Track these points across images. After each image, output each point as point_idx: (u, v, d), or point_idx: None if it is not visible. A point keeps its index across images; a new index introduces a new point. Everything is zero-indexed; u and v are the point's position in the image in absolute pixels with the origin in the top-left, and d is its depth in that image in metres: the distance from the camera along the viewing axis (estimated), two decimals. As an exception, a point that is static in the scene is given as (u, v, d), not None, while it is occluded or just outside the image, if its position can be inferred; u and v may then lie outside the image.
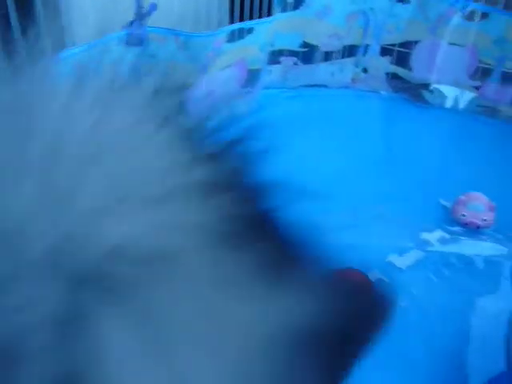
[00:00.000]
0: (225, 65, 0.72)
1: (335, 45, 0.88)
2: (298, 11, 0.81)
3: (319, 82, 0.91)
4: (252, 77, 0.78)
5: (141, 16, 0.64)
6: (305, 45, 0.86)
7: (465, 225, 0.64)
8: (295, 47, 0.86)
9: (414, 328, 0.55)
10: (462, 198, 0.66)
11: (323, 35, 0.86)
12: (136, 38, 0.64)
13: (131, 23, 0.64)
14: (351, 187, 0.73)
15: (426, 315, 0.56)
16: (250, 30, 0.71)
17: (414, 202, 0.71)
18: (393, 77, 0.92)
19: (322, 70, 0.90)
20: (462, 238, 0.63)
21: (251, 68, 0.77)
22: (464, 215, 0.64)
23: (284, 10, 0.78)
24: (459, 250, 0.62)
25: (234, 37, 0.70)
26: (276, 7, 0.76)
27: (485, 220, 0.64)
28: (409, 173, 0.77)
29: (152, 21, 0.68)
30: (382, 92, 0.92)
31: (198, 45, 0.66)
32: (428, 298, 0.58)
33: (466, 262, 0.61)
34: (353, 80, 0.93)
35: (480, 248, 0.62)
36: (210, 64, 0.69)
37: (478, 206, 0.65)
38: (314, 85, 0.92)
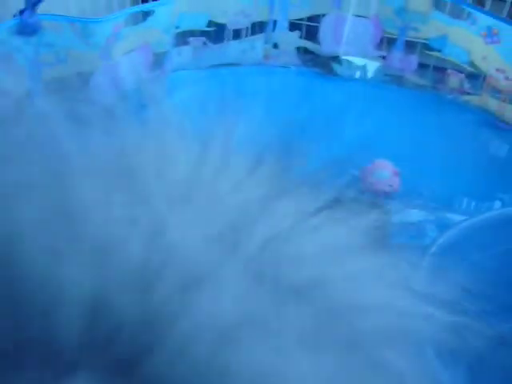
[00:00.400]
0: (128, 49, 0.71)
1: (243, 22, 0.88)
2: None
3: (231, 60, 0.91)
4: (158, 60, 0.77)
5: (32, 3, 0.62)
6: (212, 24, 0.86)
7: (374, 192, 0.67)
8: (202, 27, 0.86)
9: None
10: (369, 167, 0.68)
11: (229, 13, 0.86)
12: (29, 26, 0.61)
13: (22, 12, 0.61)
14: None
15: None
16: (150, 13, 0.70)
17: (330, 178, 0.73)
18: (303, 51, 0.94)
19: (232, 49, 0.90)
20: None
21: (157, 51, 0.76)
22: (372, 183, 0.67)
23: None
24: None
25: (134, 20, 0.69)
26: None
27: (391, 186, 0.67)
28: (325, 147, 0.79)
29: (47, 8, 0.66)
30: (292, 67, 0.93)
31: (96, 31, 0.64)
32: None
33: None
34: (265, 56, 0.93)
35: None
36: (111, 50, 0.68)
37: (384, 174, 0.68)
38: (227, 64, 0.92)
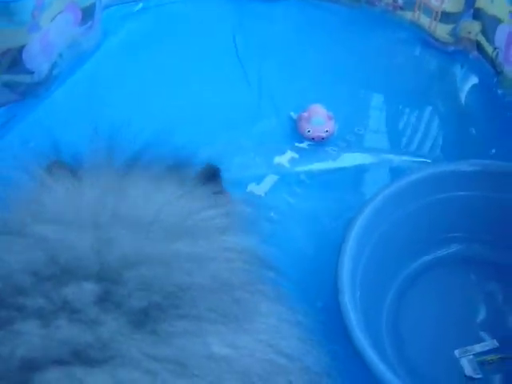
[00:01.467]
0: (55, 14, 0.69)
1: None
2: None
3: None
4: (88, 13, 0.75)
5: None
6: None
7: (312, 139, 0.71)
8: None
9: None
10: (305, 114, 0.71)
11: None
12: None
13: None
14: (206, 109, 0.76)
15: (291, 235, 0.64)
16: (71, -25, 0.67)
17: (268, 119, 0.76)
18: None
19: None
20: (310, 154, 0.70)
21: (84, 6, 0.73)
22: (309, 131, 0.71)
23: None
24: (308, 167, 0.70)
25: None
26: None
27: (327, 131, 0.71)
28: (262, 83, 0.81)
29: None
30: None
31: (18, 9, 0.62)
32: (288, 218, 0.65)
33: (311, 177, 0.69)
34: (196, -20, 0.90)
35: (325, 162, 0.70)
36: (39, 21, 0.66)
37: (319, 120, 0.71)
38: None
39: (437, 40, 0.84)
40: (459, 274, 0.62)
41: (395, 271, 0.61)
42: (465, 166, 0.59)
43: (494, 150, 0.74)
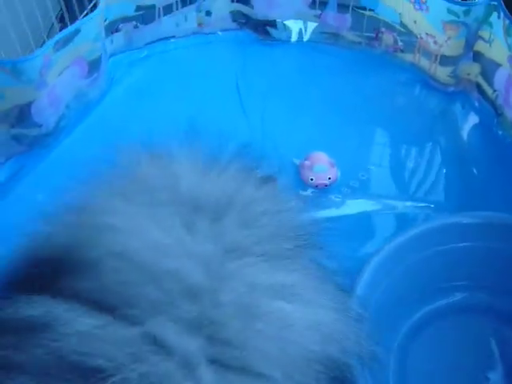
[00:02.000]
0: (61, 70, 0.70)
1: (171, -2, 0.86)
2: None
3: (165, 34, 0.90)
4: (93, 66, 0.76)
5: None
6: (139, 8, 0.83)
7: (315, 187, 0.72)
8: (131, 13, 0.83)
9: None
10: (307, 162, 0.72)
11: (155, -7, 0.83)
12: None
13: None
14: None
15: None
16: (76, 32, 0.68)
17: (271, 166, 0.77)
18: (237, 15, 0.92)
19: (165, 24, 0.88)
20: (314, 202, 0.71)
21: (90, 59, 0.75)
22: (312, 179, 0.72)
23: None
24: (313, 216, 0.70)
25: (63, 43, 0.67)
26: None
27: (330, 178, 0.72)
28: (265, 129, 0.82)
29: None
30: (223, 32, 0.92)
31: (26, 69, 0.64)
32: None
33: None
34: (199, 25, 0.91)
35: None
36: (46, 78, 0.67)
37: (322, 167, 0.72)
38: (161, 39, 0.90)
39: (437, 81, 0.85)
40: (463, 323, 0.62)
41: (397, 326, 0.61)
42: (467, 219, 0.60)
43: (497, 192, 0.75)
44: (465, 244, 0.60)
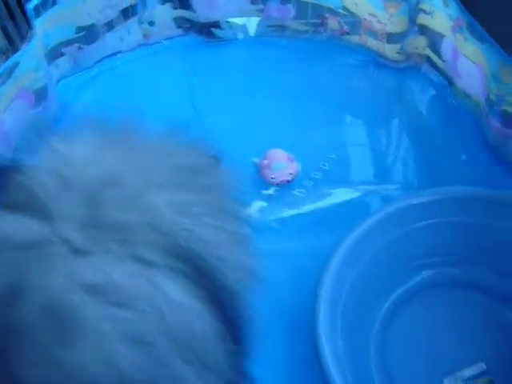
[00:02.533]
0: (6, 105, 0.70)
1: (111, 14, 0.84)
2: (55, 7, 0.76)
3: (111, 51, 0.89)
4: (40, 95, 0.75)
5: None
6: (80, 29, 0.82)
7: (277, 185, 0.72)
8: (72, 36, 0.82)
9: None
10: (265, 161, 0.72)
11: (94, 13, 0.82)
12: None
13: None
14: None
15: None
16: (15, 65, 0.68)
17: (230, 167, 0.77)
18: (181, 21, 0.91)
19: (109, 40, 0.87)
20: (278, 200, 0.71)
21: (35, 89, 0.74)
22: (273, 177, 0.71)
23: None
24: (278, 214, 0.70)
25: (3, 79, 0.67)
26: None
27: (291, 174, 0.72)
28: (222, 127, 0.81)
29: None
30: (168, 40, 0.91)
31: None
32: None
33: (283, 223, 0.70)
34: (144, 36, 0.90)
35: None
36: (-10, 117, 0.67)
37: (281, 164, 0.72)
38: (108, 56, 0.89)
39: (387, 59, 0.85)
40: (443, 299, 0.63)
41: (377, 303, 0.62)
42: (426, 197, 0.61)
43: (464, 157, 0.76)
44: (424, 222, 0.61)
